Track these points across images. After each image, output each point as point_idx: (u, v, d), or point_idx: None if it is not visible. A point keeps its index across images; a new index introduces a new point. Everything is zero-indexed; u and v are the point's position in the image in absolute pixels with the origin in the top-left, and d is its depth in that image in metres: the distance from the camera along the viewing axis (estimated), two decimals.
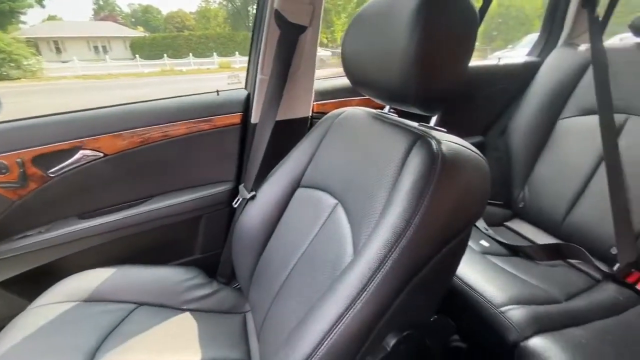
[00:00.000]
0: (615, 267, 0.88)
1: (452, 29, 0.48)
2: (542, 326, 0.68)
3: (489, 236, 1.08)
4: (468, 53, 0.50)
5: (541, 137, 1.18)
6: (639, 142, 0.94)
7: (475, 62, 1.31)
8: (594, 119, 1.03)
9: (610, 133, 0.99)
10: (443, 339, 0.85)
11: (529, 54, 1.40)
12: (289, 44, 0.91)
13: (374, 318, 0.46)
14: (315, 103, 1.08)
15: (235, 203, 0.94)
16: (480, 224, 1.14)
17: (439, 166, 0.47)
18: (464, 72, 0.51)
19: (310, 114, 1.07)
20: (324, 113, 0.83)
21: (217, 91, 1.00)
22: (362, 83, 0.63)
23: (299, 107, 1.03)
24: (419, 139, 0.53)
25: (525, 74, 1.29)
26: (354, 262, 0.50)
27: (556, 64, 1.19)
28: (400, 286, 0.46)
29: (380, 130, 0.63)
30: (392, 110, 0.72)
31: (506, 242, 1.04)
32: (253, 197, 0.84)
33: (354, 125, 0.71)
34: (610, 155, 0.97)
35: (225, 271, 1.04)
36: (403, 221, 0.46)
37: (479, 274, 0.82)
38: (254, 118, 1.00)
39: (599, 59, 1.06)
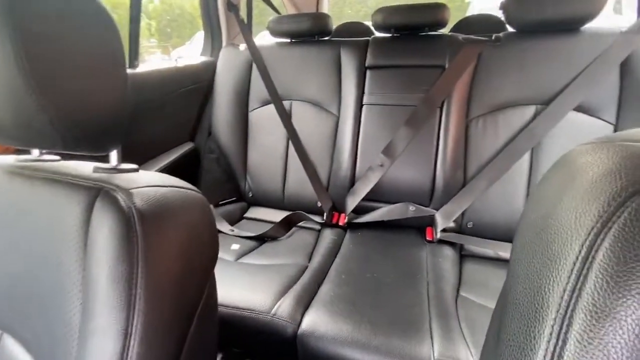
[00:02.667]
0: (325, 216, 1.15)
1: (78, 30, 0.33)
2: (304, 304, 0.76)
3: (237, 236, 1.10)
4: (120, 60, 0.37)
5: (242, 130, 1.29)
6: (303, 120, 1.23)
7: (157, 65, 1.19)
8: (273, 107, 1.23)
9: (285, 117, 1.22)
10: None
11: (202, 54, 1.46)
12: None
13: None
14: None
15: None
16: (225, 227, 1.13)
17: (139, 231, 0.33)
18: (124, 85, 0.38)
19: None
20: None
21: None
22: None
23: None
24: (97, 195, 0.36)
25: (206, 73, 1.33)
26: None
27: (227, 64, 1.30)
28: None
29: (30, 194, 0.39)
30: (44, 152, 0.48)
31: (252, 234, 1.09)
32: None
33: None
34: (292, 134, 1.21)
35: None
36: (119, 333, 0.30)
37: (241, 288, 0.79)
38: None
39: (256, 57, 1.25)
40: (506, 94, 1.01)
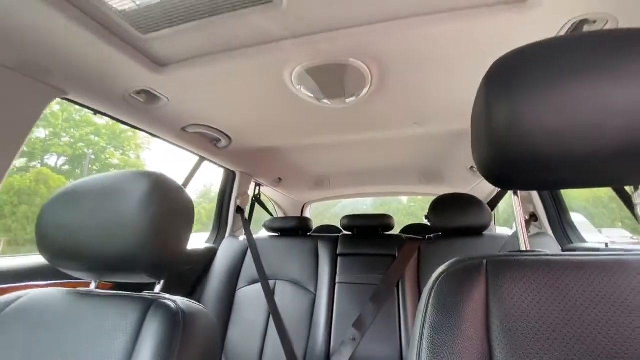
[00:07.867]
0: None
1: (176, 209, 0.60)
2: None
3: None
4: (189, 230, 0.64)
5: (227, 306, 1.44)
6: (284, 296, 1.42)
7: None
8: (259, 285, 1.45)
9: (269, 294, 1.42)
10: None
11: (207, 242, 1.80)
12: None
13: None
14: None
15: None
16: None
17: (181, 325, 0.50)
18: (186, 244, 0.64)
19: None
20: None
21: None
22: (71, 257, 0.57)
23: None
24: (152, 303, 0.53)
25: (207, 256, 1.62)
26: None
27: (227, 250, 1.62)
28: None
29: (96, 308, 0.56)
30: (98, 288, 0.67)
31: None
32: None
33: (48, 312, 0.57)
34: (274, 310, 1.37)
35: None
36: None
37: None
38: None
39: (252, 245, 1.59)
40: None
